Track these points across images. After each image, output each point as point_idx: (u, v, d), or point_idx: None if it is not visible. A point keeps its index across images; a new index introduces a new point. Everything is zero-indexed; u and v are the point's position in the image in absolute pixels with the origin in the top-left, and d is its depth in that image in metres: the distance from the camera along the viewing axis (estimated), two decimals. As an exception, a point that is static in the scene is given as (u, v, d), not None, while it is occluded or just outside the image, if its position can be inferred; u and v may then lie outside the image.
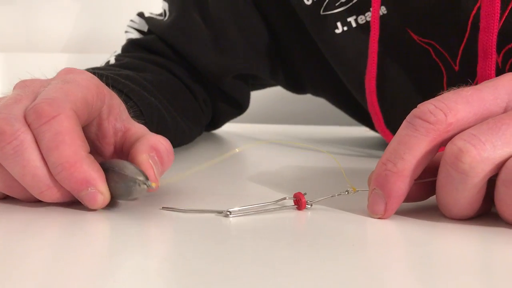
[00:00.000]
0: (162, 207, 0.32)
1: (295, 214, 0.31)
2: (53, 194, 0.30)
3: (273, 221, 0.30)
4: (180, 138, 0.60)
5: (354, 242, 0.26)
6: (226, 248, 0.25)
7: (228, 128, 0.79)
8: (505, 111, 0.29)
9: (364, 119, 0.68)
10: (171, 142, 0.35)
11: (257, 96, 0.80)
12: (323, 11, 0.55)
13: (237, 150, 0.36)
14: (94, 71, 0.46)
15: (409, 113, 0.30)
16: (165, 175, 0.34)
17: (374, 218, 0.30)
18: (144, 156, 0.32)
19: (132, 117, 0.37)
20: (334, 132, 0.83)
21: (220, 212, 0.30)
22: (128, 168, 0.30)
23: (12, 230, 0.28)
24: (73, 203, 0.32)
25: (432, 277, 0.22)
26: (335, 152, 0.59)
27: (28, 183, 0.30)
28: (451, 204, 0.29)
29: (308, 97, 0.82)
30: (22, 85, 0.34)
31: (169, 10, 0.64)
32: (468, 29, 0.48)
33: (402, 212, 0.32)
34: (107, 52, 0.67)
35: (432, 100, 0.29)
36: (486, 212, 0.31)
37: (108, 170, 0.31)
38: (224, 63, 0.63)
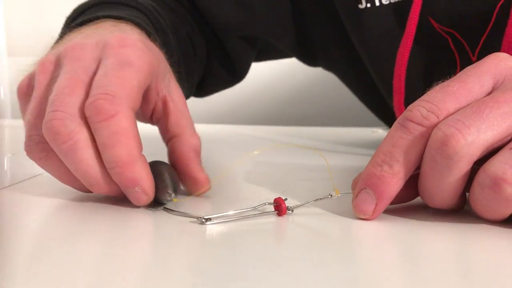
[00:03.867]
0: (163, 208, 0.33)
1: (275, 220, 0.31)
2: (100, 189, 0.33)
3: (254, 227, 0.30)
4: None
5: (339, 248, 0.27)
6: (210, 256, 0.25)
7: (235, 129, 0.79)
8: (491, 93, 0.30)
9: (372, 102, 0.67)
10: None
11: (263, 98, 0.80)
12: None
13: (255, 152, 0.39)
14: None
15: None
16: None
17: (360, 217, 0.31)
18: (196, 167, 0.36)
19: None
20: (340, 133, 0.83)
21: (197, 218, 0.30)
22: (166, 178, 0.34)
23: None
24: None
25: (423, 276, 0.23)
26: (337, 151, 0.59)
27: (80, 177, 0.33)
28: (435, 191, 0.30)
29: (315, 98, 0.81)
30: (71, 58, 0.35)
31: None
32: (493, 19, 0.47)
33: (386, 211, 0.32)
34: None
35: (421, 102, 0.30)
36: (461, 207, 0.32)
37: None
38: (238, 18, 0.61)
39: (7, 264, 0.24)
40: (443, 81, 0.31)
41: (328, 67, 0.67)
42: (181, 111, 0.39)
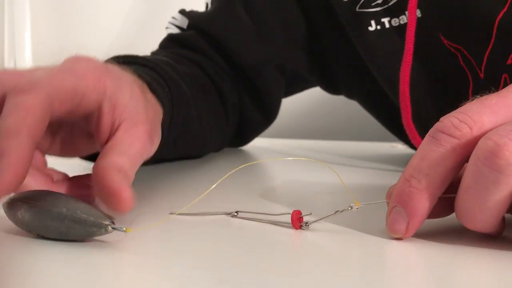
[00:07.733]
0: (170, 213, 0.34)
1: (292, 232, 0.32)
2: None
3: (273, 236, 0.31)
4: (204, 143, 0.62)
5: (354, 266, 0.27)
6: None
7: (254, 142, 0.79)
8: None
9: (393, 126, 0.69)
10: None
11: (284, 110, 0.81)
12: (359, 8, 0.56)
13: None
14: (130, 59, 0.48)
15: (432, 118, 0.29)
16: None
17: (394, 237, 0.29)
18: (120, 180, 0.29)
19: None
20: (359, 147, 0.83)
21: (228, 214, 0.33)
22: (85, 206, 0.28)
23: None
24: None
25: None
26: (357, 166, 0.60)
27: None
28: (477, 209, 0.27)
29: (333, 111, 0.81)
30: None
31: (211, 2, 0.67)
32: (494, 35, 0.47)
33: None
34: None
35: (454, 113, 0.28)
36: (500, 234, 0.30)
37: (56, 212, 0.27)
38: (264, 52, 0.65)
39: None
40: (481, 96, 0.29)
41: (349, 95, 0.70)
42: (130, 138, 0.32)
